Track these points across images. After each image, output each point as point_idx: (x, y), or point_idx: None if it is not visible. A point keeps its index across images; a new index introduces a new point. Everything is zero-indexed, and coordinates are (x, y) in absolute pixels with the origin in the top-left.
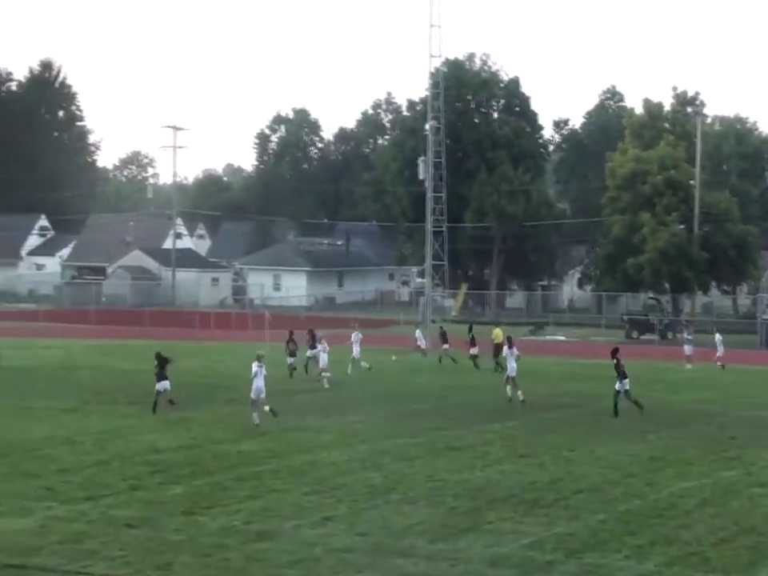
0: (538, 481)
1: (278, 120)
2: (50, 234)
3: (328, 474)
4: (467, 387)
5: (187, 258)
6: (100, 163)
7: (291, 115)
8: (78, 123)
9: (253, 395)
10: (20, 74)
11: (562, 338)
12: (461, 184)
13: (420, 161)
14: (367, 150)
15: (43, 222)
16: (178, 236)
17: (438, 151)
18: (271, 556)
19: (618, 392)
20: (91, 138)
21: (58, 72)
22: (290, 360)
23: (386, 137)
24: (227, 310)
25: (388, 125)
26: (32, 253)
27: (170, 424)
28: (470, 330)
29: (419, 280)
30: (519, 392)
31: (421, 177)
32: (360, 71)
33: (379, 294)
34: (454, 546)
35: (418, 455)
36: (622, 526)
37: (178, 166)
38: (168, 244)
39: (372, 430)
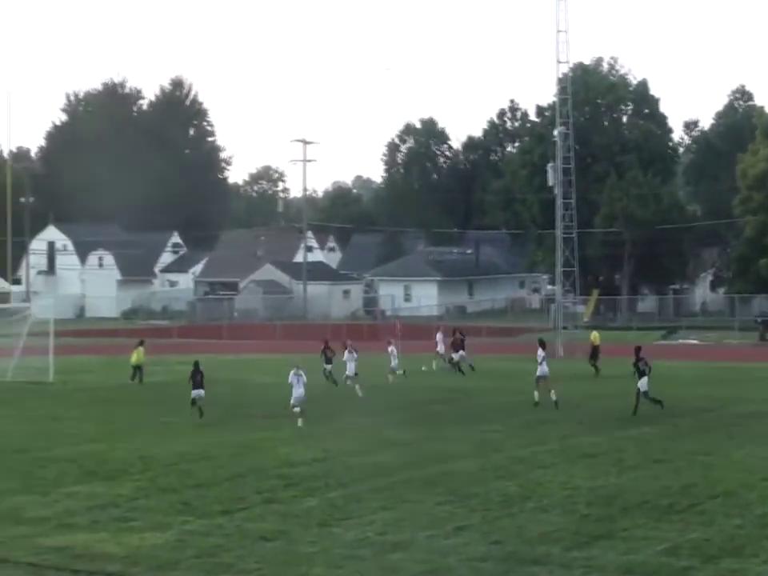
0: (673, 486)
1: (407, 130)
2: (183, 250)
3: (461, 483)
4: (599, 395)
5: (318, 271)
6: (231, 179)
7: (419, 125)
8: (209, 140)
9: (294, 402)
10: (151, 92)
11: (695, 341)
12: (590, 189)
13: (549, 167)
14: (495, 158)
15: (176, 239)
16: (309, 249)
17: (566, 157)
18: (405, 566)
19: (639, 391)
20: (222, 155)
21: (189, 90)
22: (326, 367)
23: (514, 144)
24: (359, 322)
25: (514, 132)
26: (165, 270)
27: (303, 437)
28: (454, 332)
29: (550, 287)
30: (552, 392)
31: (550, 183)
32: (485, 79)
33: (510, 302)
34: (589, 554)
35: (552, 463)
36: (759, 530)
37: (307, 179)
38: (299, 257)
39: (505, 438)
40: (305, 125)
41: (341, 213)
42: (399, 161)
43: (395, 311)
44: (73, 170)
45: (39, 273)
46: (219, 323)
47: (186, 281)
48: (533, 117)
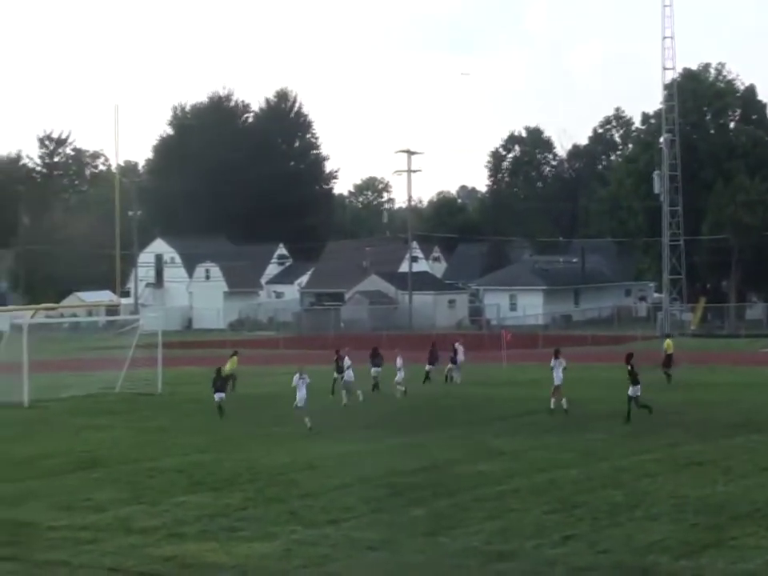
0: None
1: (512, 140)
2: (289, 262)
3: (568, 492)
4: (703, 402)
5: (424, 281)
6: (336, 190)
7: (524, 134)
8: (314, 151)
9: (299, 404)
10: (256, 105)
11: None
12: (697, 196)
13: (655, 175)
14: (600, 167)
15: (282, 250)
16: (414, 259)
17: (673, 164)
18: None
19: (630, 398)
20: (327, 166)
21: (294, 101)
22: (336, 375)
23: (618, 152)
24: (464, 332)
25: (619, 140)
26: (271, 281)
27: (408, 447)
28: (433, 345)
29: (657, 295)
30: (563, 400)
31: (656, 191)
32: (590, 87)
33: (616, 310)
34: (697, 563)
35: (659, 471)
36: None
37: (412, 189)
38: (404, 268)
39: (611, 447)
40: (409, 135)
41: (446, 222)
42: (504, 170)
43: (500, 321)
44: (179, 183)
45: (147, 285)
46: (326, 333)
47: (291, 292)
48: (638, 124)
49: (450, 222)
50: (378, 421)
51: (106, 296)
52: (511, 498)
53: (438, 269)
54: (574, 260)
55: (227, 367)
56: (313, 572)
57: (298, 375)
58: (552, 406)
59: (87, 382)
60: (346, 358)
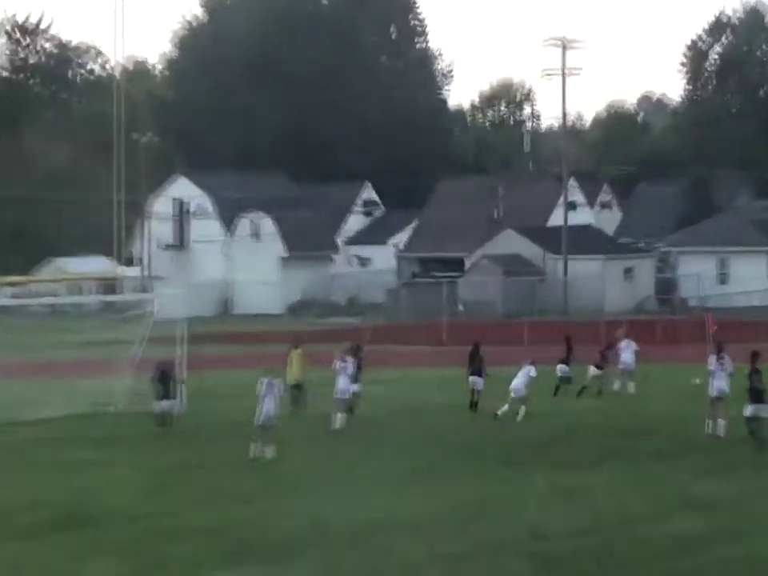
0: None
1: (718, 26)
2: (379, 211)
3: None
4: None
5: (586, 240)
6: (452, 101)
7: (738, 18)
8: (419, 44)
9: (260, 421)
10: None
11: None
12: None
13: None
14: None
15: (369, 193)
16: (572, 207)
17: None
18: None
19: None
20: (438, 65)
21: None
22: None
23: None
24: (650, 317)
25: None
26: (353, 241)
27: (562, 491)
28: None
29: None
30: (721, 423)
31: None
32: None
33: None
34: None
35: None
36: None
37: (568, 101)
38: (556, 219)
39: None
40: (564, 19)
41: (619, 151)
42: (708, 71)
43: (703, 300)
44: (213, 93)
45: (164, 248)
46: (435, 321)
47: (384, 257)
48: None
49: (626, 151)
50: (514, 452)
51: (99, 264)
52: (718, 573)
53: (609, 221)
54: None
55: (293, 374)
56: None
57: (264, 381)
58: (708, 429)
59: (73, 394)
60: (348, 360)
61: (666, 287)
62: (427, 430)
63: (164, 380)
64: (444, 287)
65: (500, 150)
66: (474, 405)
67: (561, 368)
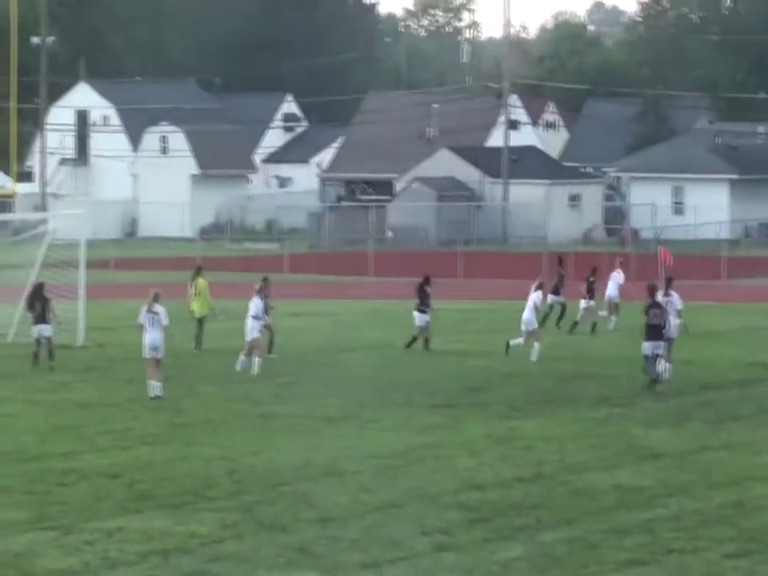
0: None
1: None
2: (302, 126)
3: (767, 521)
4: None
5: (528, 163)
6: (384, 8)
7: None
8: None
9: (146, 354)
10: None
11: None
12: None
13: None
14: None
15: (290, 106)
16: (513, 126)
17: None
18: None
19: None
20: None
21: None
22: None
23: None
24: (595, 250)
25: None
26: (272, 159)
27: (496, 440)
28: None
29: None
30: (667, 366)
31: None
32: None
33: None
34: None
35: None
36: None
37: (511, 8)
38: (496, 140)
39: None
40: None
41: (567, 65)
42: None
43: (657, 232)
44: None
45: (63, 162)
46: (361, 249)
47: (306, 177)
48: None
49: (574, 65)
50: (447, 396)
51: None
52: (670, 530)
53: (554, 141)
54: None
55: (194, 304)
56: None
57: (145, 309)
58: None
59: None
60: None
61: (615, 217)
62: (352, 370)
63: (36, 303)
64: (371, 212)
65: (436, 61)
66: (425, 342)
67: (552, 298)
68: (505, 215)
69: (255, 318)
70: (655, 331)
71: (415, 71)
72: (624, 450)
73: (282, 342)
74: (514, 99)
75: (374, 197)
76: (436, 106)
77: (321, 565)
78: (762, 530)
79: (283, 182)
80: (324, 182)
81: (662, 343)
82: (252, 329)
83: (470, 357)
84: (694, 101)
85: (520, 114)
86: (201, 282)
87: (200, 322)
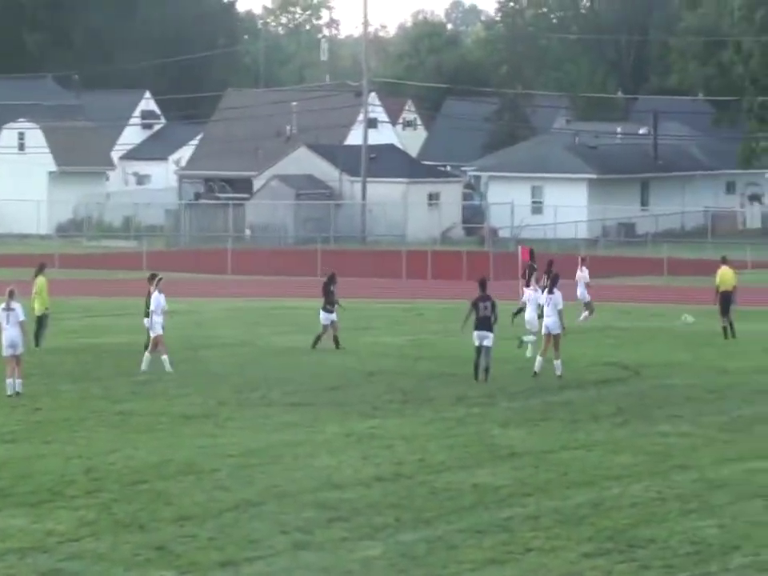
0: None
1: None
2: (160, 123)
3: (624, 521)
4: None
5: (387, 161)
6: (242, 5)
7: None
8: None
9: (4, 352)
10: None
11: None
12: None
13: None
14: None
15: (148, 103)
16: (372, 124)
17: None
18: None
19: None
20: None
21: None
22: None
23: None
24: (454, 248)
25: None
26: (129, 156)
27: (355, 439)
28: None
29: None
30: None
31: None
32: None
33: (710, 218)
34: None
35: None
36: None
37: (369, 6)
38: (355, 138)
39: (698, 446)
40: None
41: (426, 63)
42: None
43: (516, 231)
44: None
45: None
46: (220, 247)
47: (163, 175)
48: None
49: (434, 64)
50: (306, 395)
51: None
52: (528, 529)
53: (413, 140)
54: (641, 131)
55: (35, 303)
56: None
57: (2, 307)
58: (536, 368)
59: None
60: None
61: (474, 216)
62: (210, 368)
63: None
64: (230, 210)
65: (295, 59)
66: (335, 341)
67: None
68: (363, 214)
69: (157, 313)
70: (484, 323)
71: (274, 69)
72: (482, 449)
73: (137, 340)
74: (372, 97)
75: (232, 195)
76: (295, 104)
77: (178, 563)
78: (619, 530)
79: (141, 179)
80: (182, 179)
81: (491, 335)
82: (155, 324)
83: (331, 355)
84: (552, 100)
85: (379, 112)
86: (40, 280)
87: (40, 320)
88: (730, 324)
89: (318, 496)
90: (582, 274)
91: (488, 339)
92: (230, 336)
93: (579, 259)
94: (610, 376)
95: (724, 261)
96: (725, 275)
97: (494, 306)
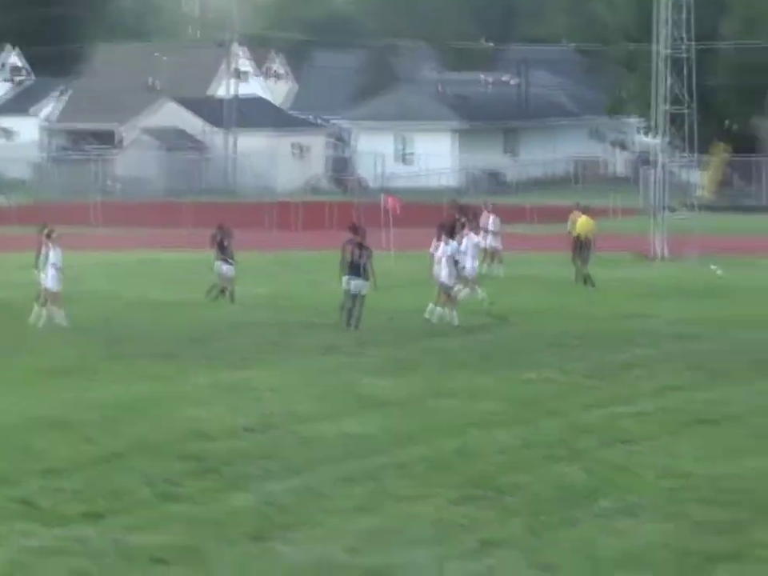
0: None
1: None
2: (26, 79)
3: (490, 468)
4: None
5: (254, 113)
6: None
7: None
8: None
9: None
10: None
11: None
12: None
13: None
14: None
15: (13, 58)
16: (239, 76)
17: None
18: None
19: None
20: None
21: None
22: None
23: None
24: (321, 199)
25: None
26: None
27: (226, 389)
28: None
29: (645, 139)
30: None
31: None
32: None
33: (577, 165)
34: None
35: (644, 434)
36: None
37: None
38: (222, 90)
39: (565, 393)
40: None
41: (294, 16)
42: None
43: (384, 181)
44: None
45: None
46: (86, 200)
47: (30, 130)
48: None
49: (300, 16)
50: (172, 347)
51: None
52: (395, 477)
53: (280, 92)
54: (509, 79)
55: None
56: None
57: None
58: (427, 315)
59: None
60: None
61: (342, 166)
62: (77, 322)
63: None
64: (97, 164)
65: (163, 12)
66: (230, 295)
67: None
68: (232, 165)
69: (56, 267)
70: (355, 269)
71: (142, 22)
72: (350, 399)
73: (6, 296)
74: (241, 50)
75: (98, 147)
76: (161, 56)
77: (43, 516)
78: (485, 476)
79: (7, 134)
80: (49, 133)
81: (366, 283)
82: (54, 278)
83: (197, 307)
84: (420, 51)
85: (246, 64)
86: None
87: None
88: (588, 275)
89: (186, 447)
90: (487, 221)
91: (362, 288)
92: (99, 289)
93: (488, 207)
94: (478, 324)
95: (581, 208)
96: (582, 224)
97: (369, 255)
